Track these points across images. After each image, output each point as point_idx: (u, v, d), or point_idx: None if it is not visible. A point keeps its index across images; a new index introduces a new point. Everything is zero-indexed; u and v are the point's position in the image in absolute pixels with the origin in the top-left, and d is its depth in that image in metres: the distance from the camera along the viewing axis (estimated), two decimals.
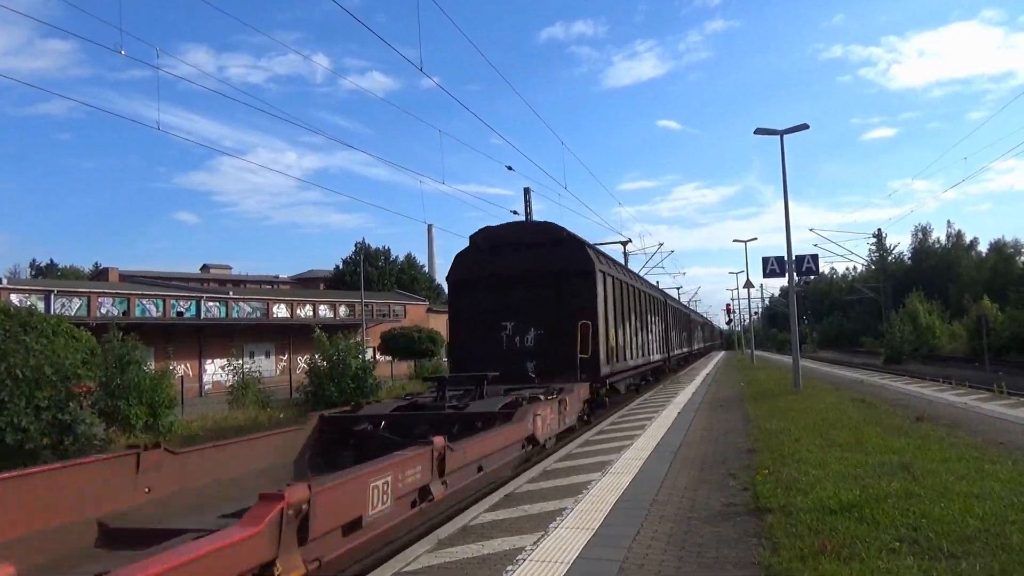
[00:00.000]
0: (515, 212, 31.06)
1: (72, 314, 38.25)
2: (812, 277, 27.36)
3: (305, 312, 60.07)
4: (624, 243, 44.08)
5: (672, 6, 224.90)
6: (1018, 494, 6.73)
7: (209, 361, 47.00)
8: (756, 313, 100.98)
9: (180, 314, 49.80)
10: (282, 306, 59.26)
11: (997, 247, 75.66)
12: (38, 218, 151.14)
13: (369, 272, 72.35)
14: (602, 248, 23.30)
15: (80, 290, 47.24)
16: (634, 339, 21.89)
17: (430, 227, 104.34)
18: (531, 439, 10.10)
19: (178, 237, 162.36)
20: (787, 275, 21.98)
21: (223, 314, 52.35)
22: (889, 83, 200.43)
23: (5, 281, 43.63)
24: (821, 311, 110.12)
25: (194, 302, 51.37)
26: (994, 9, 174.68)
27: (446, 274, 18.07)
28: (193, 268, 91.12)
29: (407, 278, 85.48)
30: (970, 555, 5.04)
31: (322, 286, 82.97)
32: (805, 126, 21.49)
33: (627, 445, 11.29)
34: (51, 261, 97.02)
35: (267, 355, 51.94)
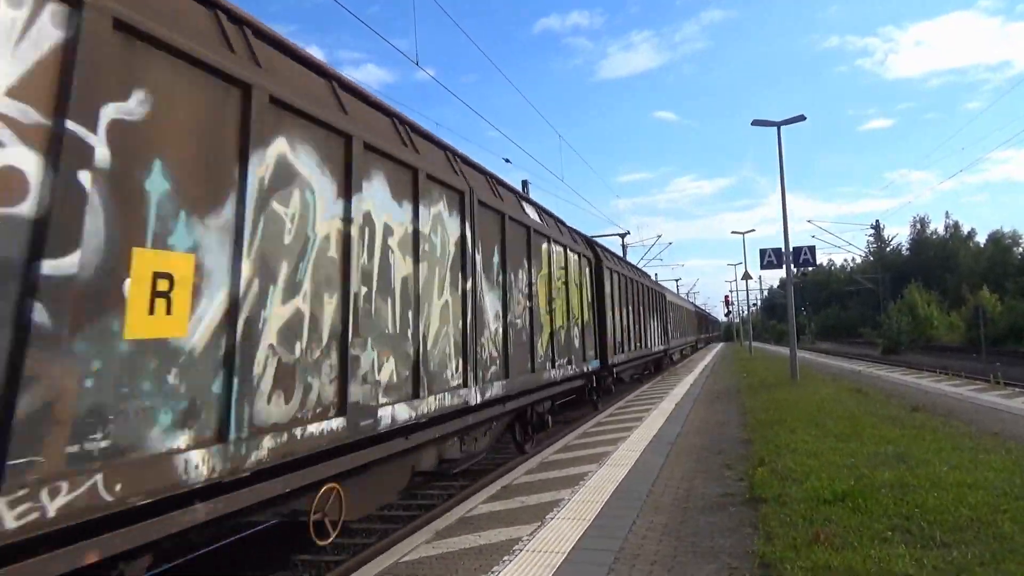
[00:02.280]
0: None
1: None
2: (810, 268, 27.23)
3: None
4: (623, 235, 43.95)
5: None
6: (1011, 483, 6.79)
7: None
8: (755, 304, 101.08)
9: None
10: None
11: (995, 238, 75.64)
12: None
13: None
14: (600, 240, 22.03)
15: None
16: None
17: None
18: None
19: None
20: (785, 267, 22.01)
21: None
22: (886, 73, 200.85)
23: None
24: (819, 302, 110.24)
25: None
26: None
27: None
28: None
29: None
30: (962, 544, 5.09)
31: None
32: (802, 117, 21.45)
33: (624, 437, 11.34)
34: None
35: None
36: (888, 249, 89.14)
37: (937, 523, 5.59)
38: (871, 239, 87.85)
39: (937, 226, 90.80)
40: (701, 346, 65.89)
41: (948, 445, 9.17)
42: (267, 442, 4.55)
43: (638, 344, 22.51)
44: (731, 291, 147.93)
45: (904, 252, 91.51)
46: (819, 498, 6.45)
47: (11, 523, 2.97)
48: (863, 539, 5.25)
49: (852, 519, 5.80)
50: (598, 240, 20.36)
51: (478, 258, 8.62)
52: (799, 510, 6.12)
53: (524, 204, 11.48)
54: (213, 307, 4.22)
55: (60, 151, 3.28)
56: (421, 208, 7.06)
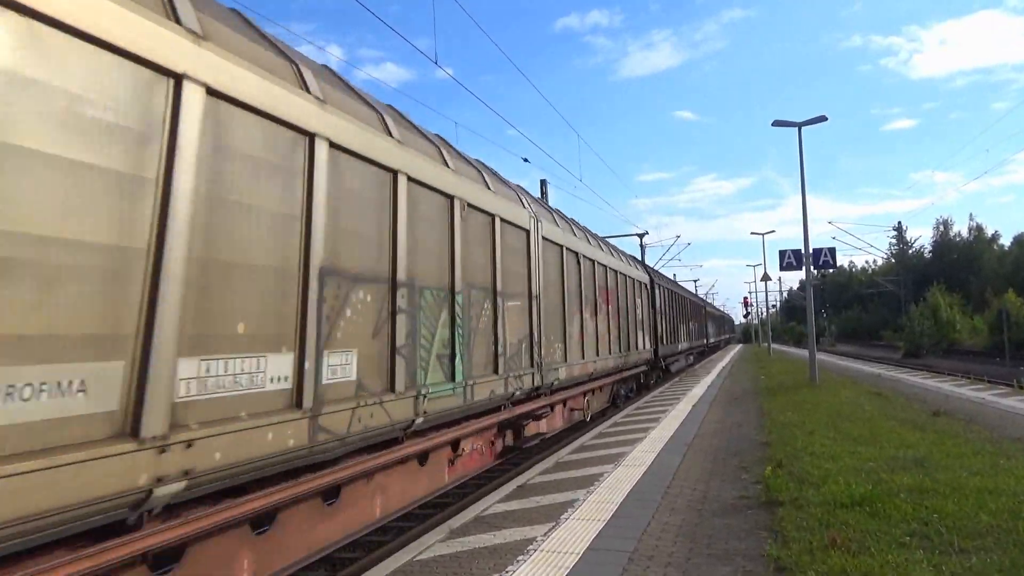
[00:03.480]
0: None
1: None
2: (830, 270, 26.94)
3: None
4: (641, 235, 43.68)
5: None
6: None
7: None
8: (774, 306, 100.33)
9: None
10: None
11: (1020, 240, 74.35)
12: None
13: None
14: (614, 241, 21.93)
15: None
16: None
17: None
18: None
19: None
20: (804, 268, 21.83)
21: None
22: (910, 73, 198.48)
23: None
24: (840, 304, 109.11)
25: None
26: None
27: None
28: None
29: None
30: (981, 550, 5.04)
31: None
32: (823, 118, 21.25)
33: (640, 438, 11.32)
34: None
35: None
36: (910, 251, 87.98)
37: (956, 529, 5.53)
38: (893, 241, 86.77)
39: (961, 228, 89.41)
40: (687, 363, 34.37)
41: (969, 450, 9.06)
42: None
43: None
44: (750, 292, 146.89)
45: (927, 254, 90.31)
46: (836, 502, 6.41)
47: None
48: (880, 544, 5.20)
49: (869, 524, 5.76)
50: (613, 240, 20.61)
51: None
52: (816, 514, 6.08)
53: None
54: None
55: None
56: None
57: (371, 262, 6.27)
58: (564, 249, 12.68)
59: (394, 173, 6.69)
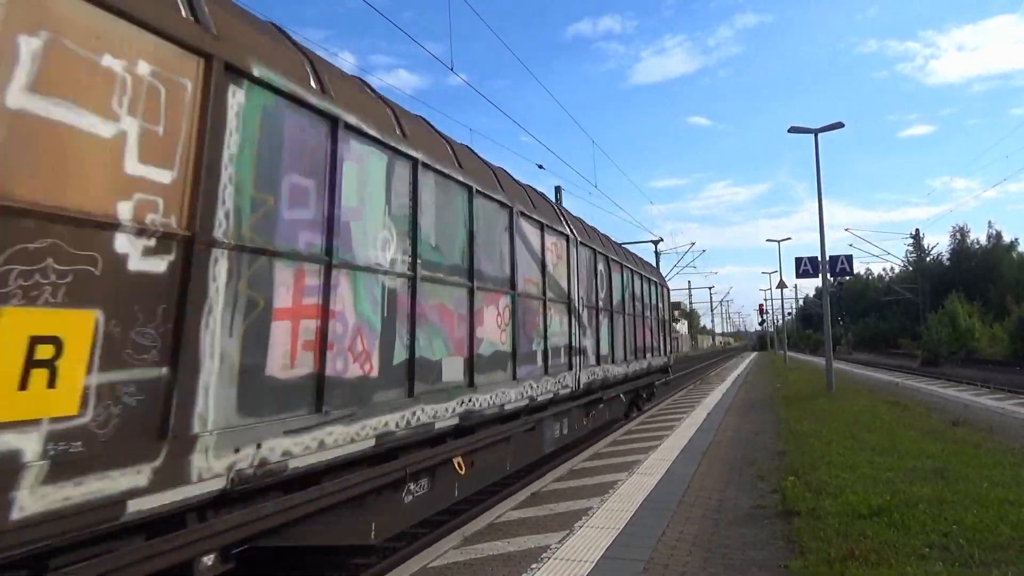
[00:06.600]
0: None
1: None
2: (847, 278, 26.70)
3: None
4: (655, 242, 43.56)
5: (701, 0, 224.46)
6: None
7: None
8: (790, 313, 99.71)
9: None
10: None
11: None
12: None
13: None
14: (631, 248, 22.35)
15: None
16: None
17: None
18: None
19: None
20: (820, 275, 21.68)
21: None
22: (927, 79, 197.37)
23: None
24: (857, 312, 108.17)
25: None
26: None
27: None
28: None
29: None
30: (1002, 563, 4.96)
31: None
32: (840, 124, 21.14)
33: (655, 445, 11.26)
34: None
35: None
36: (928, 259, 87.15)
37: (976, 541, 5.45)
38: (910, 248, 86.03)
39: (979, 235, 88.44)
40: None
41: (989, 461, 8.94)
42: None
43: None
44: (766, 300, 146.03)
45: (944, 262, 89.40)
46: (854, 512, 6.34)
47: None
48: (899, 556, 5.14)
49: (888, 535, 5.68)
50: (629, 247, 20.97)
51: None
52: (833, 524, 6.01)
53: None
54: None
55: None
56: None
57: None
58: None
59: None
